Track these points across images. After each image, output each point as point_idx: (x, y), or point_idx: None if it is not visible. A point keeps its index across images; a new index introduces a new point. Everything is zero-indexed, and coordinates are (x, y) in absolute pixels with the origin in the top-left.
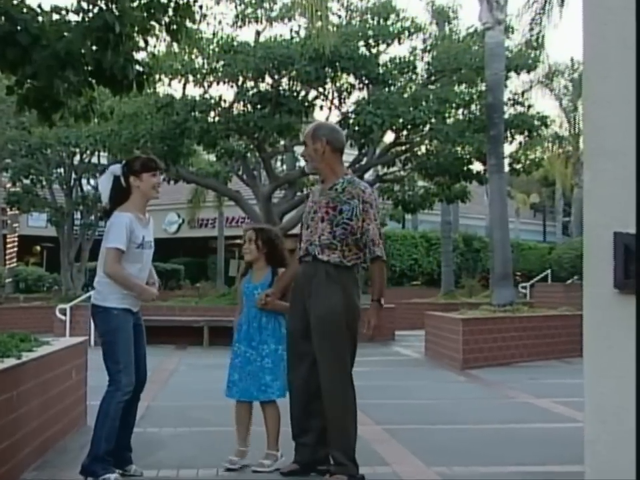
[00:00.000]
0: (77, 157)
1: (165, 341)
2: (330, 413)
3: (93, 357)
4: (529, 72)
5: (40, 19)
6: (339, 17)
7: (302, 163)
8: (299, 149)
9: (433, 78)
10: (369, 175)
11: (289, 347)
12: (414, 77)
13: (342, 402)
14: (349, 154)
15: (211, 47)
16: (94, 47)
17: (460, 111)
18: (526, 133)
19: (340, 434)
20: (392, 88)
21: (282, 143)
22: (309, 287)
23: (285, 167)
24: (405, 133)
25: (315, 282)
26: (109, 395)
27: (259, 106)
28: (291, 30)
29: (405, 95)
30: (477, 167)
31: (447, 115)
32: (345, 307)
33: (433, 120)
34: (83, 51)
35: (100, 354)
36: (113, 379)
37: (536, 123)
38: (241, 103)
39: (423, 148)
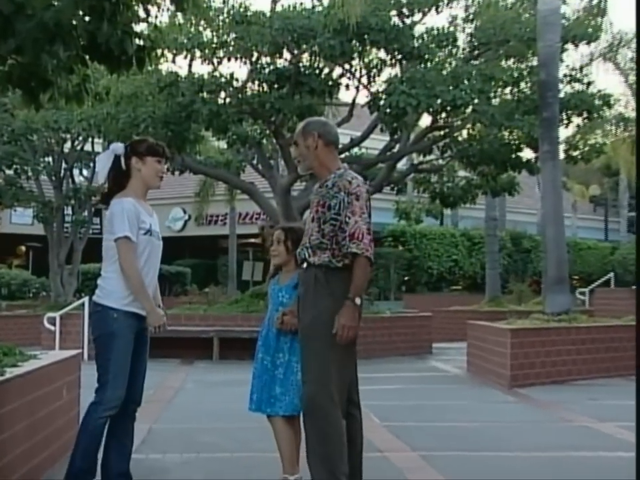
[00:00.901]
0: (68, 144)
1: (169, 355)
2: (310, 439)
3: (86, 372)
4: (588, 43)
5: None
6: None
7: None
8: None
9: (476, 52)
10: (402, 164)
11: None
12: (454, 51)
13: (322, 425)
14: (380, 140)
15: (221, 17)
16: (87, 18)
17: (507, 89)
18: (585, 115)
19: (320, 462)
20: (429, 64)
21: None
22: (301, 295)
23: None
24: (443, 115)
25: (304, 290)
26: (91, 407)
27: (276, 85)
28: None
29: (444, 72)
30: (527, 154)
31: (492, 94)
32: (332, 315)
33: (476, 100)
34: (74, 21)
35: (95, 368)
36: (98, 390)
37: (597, 102)
38: (256, 82)
39: (465, 133)
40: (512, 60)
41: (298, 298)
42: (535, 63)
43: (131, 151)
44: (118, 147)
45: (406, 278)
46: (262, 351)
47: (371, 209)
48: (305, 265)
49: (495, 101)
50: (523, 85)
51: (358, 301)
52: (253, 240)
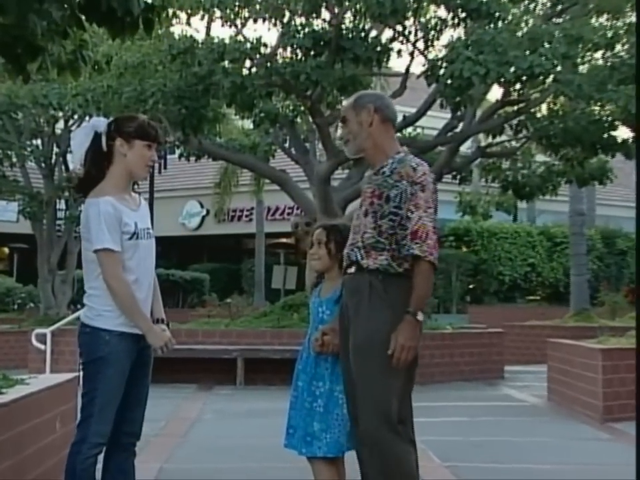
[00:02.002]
0: (60, 124)
1: (184, 379)
2: (370, 475)
3: None
4: None
5: None
6: None
7: None
8: None
9: (559, 7)
10: (466, 147)
11: (345, 387)
12: (531, 6)
13: (390, 464)
14: (439, 117)
15: None
16: None
17: (599, 53)
18: None
19: None
20: (500, 23)
21: (345, 103)
22: (351, 308)
23: None
24: (518, 86)
25: (356, 300)
26: (74, 448)
27: (312, 52)
28: None
29: (519, 34)
30: (622, 133)
31: (579, 59)
32: (393, 331)
33: (558, 68)
34: None
35: None
36: (80, 423)
37: None
38: (288, 48)
39: (544, 108)
40: (605, 17)
41: (341, 310)
42: (634, 19)
43: (115, 129)
44: (99, 123)
45: (471, 286)
46: (302, 378)
47: (437, 203)
48: (353, 269)
49: (583, 68)
50: (618, 47)
51: (420, 316)
52: (284, 240)
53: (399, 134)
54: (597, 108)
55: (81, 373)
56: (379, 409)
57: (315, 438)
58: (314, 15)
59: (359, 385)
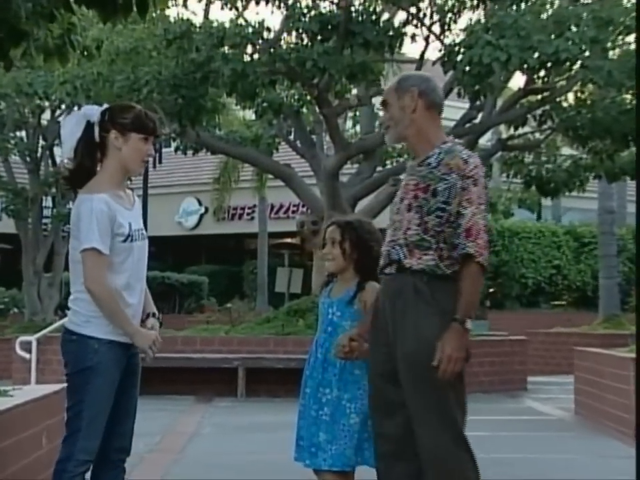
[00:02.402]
0: (47, 114)
1: (181, 390)
2: None
3: None
4: None
5: None
6: None
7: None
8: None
9: None
10: (486, 140)
11: (372, 398)
12: None
13: (455, 475)
14: (457, 107)
15: None
16: None
17: (630, 37)
18: None
19: None
20: (523, 5)
21: (354, 92)
22: (393, 312)
23: (358, 128)
24: (542, 73)
25: (400, 304)
26: (59, 466)
27: (319, 37)
28: None
29: (544, 16)
30: None
31: (609, 44)
32: None
33: (586, 53)
34: None
35: None
36: (66, 439)
37: None
38: (293, 32)
39: (571, 97)
40: None
41: (377, 314)
42: None
43: (109, 120)
44: (92, 111)
45: (491, 290)
46: (309, 384)
47: (488, 199)
48: (392, 268)
49: (613, 54)
50: None
51: (469, 324)
52: (289, 240)
53: None
54: (629, 96)
55: (66, 385)
56: (444, 421)
57: (319, 449)
58: None
59: (414, 399)
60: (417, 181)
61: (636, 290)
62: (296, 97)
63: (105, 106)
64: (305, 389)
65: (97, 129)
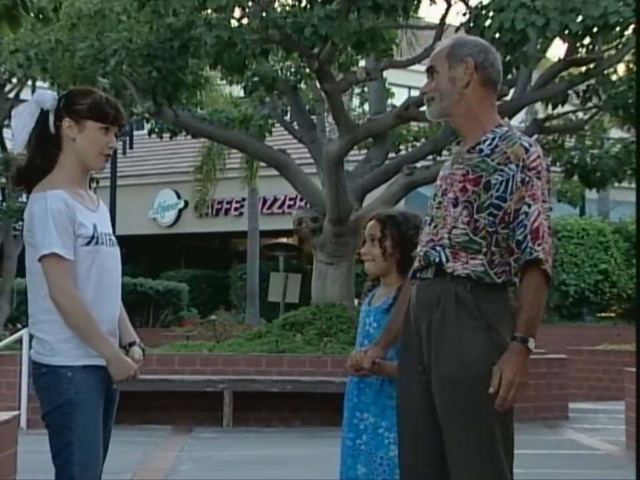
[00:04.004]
0: None
1: (156, 419)
2: None
3: (27, 448)
4: None
5: None
6: None
7: (396, 99)
8: (394, 75)
9: None
10: (519, 121)
11: (401, 424)
12: None
13: None
14: None
15: None
16: None
17: None
18: None
19: None
20: None
21: (362, 64)
22: (428, 325)
23: (367, 107)
24: (587, 41)
25: (437, 316)
26: None
27: None
28: None
29: None
30: None
31: None
32: (492, 361)
33: None
34: None
35: (42, 441)
36: None
37: None
38: None
39: (621, 69)
40: None
41: (408, 326)
42: None
43: (64, 106)
44: (45, 97)
45: None
46: (345, 408)
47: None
48: (429, 272)
49: None
50: None
51: (532, 343)
52: (284, 240)
53: None
54: None
55: (32, 414)
56: (486, 461)
57: None
58: None
59: (452, 430)
60: (465, 170)
61: (636, 291)
62: (292, 70)
63: (63, 93)
64: (345, 411)
65: (52, 118)
